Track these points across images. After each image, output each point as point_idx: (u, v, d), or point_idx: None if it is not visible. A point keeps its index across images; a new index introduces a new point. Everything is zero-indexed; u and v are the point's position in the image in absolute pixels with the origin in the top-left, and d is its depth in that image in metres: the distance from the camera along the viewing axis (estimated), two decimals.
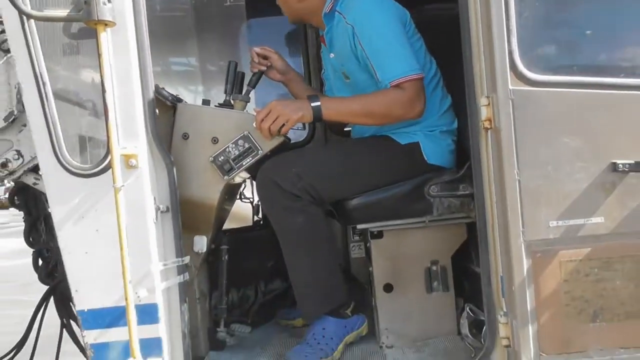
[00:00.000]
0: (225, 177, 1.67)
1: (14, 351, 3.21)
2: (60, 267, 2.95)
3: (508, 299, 1.47)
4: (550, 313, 1.45)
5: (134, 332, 1.45)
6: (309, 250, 1.72)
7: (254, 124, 1.65)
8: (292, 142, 1.97)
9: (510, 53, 1.42)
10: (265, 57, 1.96)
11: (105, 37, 1.42)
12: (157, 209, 1.54)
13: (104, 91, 1.43)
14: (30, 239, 3.11)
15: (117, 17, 1.43)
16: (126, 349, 1.51)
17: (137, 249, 1.47)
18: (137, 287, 1.48)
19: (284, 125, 1.63)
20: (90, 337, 1.52)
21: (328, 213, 1.87)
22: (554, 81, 1.43)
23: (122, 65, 1.48)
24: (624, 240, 1.45)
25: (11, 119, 2.42)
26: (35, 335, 3.09)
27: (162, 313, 1.53)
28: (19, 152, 2.51)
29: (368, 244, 1.84)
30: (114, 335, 1.52)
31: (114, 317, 1.51)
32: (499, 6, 1.41)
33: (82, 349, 3.03)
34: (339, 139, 2.07)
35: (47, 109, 1.50)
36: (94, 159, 1.53)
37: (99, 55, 1.42)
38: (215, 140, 1.67)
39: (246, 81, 1.92)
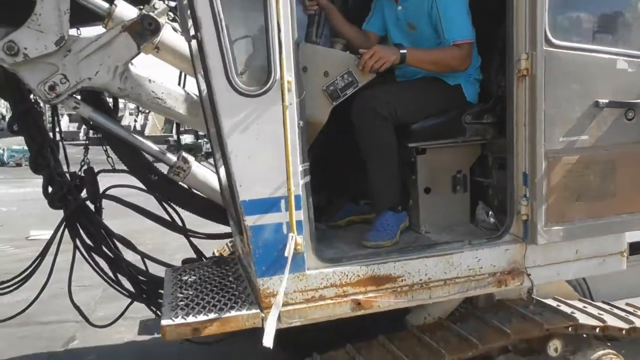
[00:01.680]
0: (334, 103, 2.20)
1: (28, 272, 3.36)
2: (74, 192, 3.19)
3: (531, 188, 2.24)
4: (554, 197, 2.26)
5: (294, 215, 1.96)
6: (385, 159, 2.33)
7: (356, 63, 2.19)
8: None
9: (543, 25, 2.15)
10: None
11: None
12: (299, 124, 2.03)
13: (279, 31, 1.87)
14: (37, 165, 3.25)
15: None
16: (277, 228, 2.01)
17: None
18: (289, 183, 1.98)
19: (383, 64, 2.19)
20: (250, 221, 1.99)
21: None
22: (568, 46, 2.19)
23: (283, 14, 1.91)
24: (597, 151, 2.30)
25: (62, 44, 2.62)
26: (52, 260, 3.29)
27: (303, 202, 2.05)
28: (65, 76, 2.73)
29: (413, 159, 2.50)
30: (268, 219, 2.00)
31: (269, 205, 1.99)
32: None
33: (96, 270, 3.29)
34: (392, 78, 2.65)
35: (222, 40, 1.87)
36: (252, 83, 1.95)
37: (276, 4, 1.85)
38: (326, 74, 2.17)
39: None
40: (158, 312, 3.55)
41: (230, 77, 1.89)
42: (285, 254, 1.93)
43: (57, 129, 3.45)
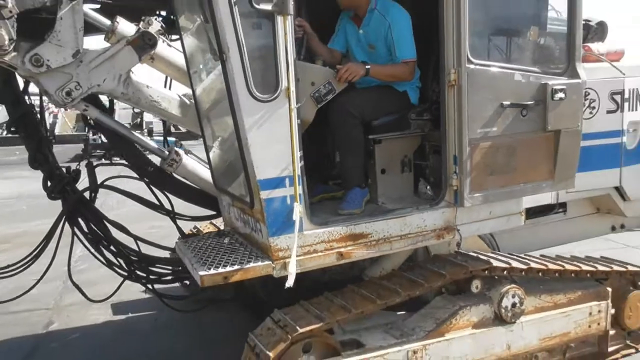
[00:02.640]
0: (318, 105, 2.91)
1: (30, 261, 3.76)
2: (72, 185, 3.65)
3: (459, 166, 3.09)
4: (475, 172, 3.12)
5: (297, 189, 2.66)
6: (354, 148, 3.09)
7: (335, 76, 2.92)
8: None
9: (466, 48, 2.99)
10: (299, 25, 3.14)
11: (283, 22, 2.54)
12: (297, 122, 2.72)
13: (286, 52, 2.56)
14: (36, 161, 3.68)
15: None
16: (283, 200, 2.70)
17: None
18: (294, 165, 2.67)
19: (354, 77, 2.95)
20: (264, 195, 2.66)
21: None
22: (482, 64, 3.05)
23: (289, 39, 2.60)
24: (503, 139, 3.19)
25: (77, 56, 3.13)
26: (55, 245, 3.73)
27: (301, 180, 2.75)
28: (78, 83, 3.24)
29: (372, 147, 3.28)
30: (277, 193, 2.69)
31: (277, 182, 2.68)
32: (460, 23, 2.96)
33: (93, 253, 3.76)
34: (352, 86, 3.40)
35: (244, 59, 2.52)
36: (265, 92, 2.61)
37: (284, 35, 2.53)
38: (312, 84, 2.88)
39: None
40: (148, 286, 4.11)
41: (250, 88, 2.55)
42: (294, 218, 2.63)
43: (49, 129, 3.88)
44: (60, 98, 3.19)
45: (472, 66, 3.00)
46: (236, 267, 2.67)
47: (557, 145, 3.32)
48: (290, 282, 2.54)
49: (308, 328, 2.84)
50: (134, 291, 5.04)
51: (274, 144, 2.64)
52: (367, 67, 3.04)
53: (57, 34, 3.07)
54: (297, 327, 2.83)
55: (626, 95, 4.09)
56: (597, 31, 4.37)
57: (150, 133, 24.24)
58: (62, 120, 28.35)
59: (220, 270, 2.64)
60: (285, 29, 2.52)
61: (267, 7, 2.48)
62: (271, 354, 2.75)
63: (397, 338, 3.17)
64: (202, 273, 2.62)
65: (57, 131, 25.92)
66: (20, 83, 3.65)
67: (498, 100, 3.11)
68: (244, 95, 2.56)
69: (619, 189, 4.24)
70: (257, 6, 2.45)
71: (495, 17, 3.27)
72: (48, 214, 4.05)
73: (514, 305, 3.39)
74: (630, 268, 3.99)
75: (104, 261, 3.91)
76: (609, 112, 4.03)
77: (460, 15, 2.91)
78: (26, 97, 3.68)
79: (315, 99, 2.90)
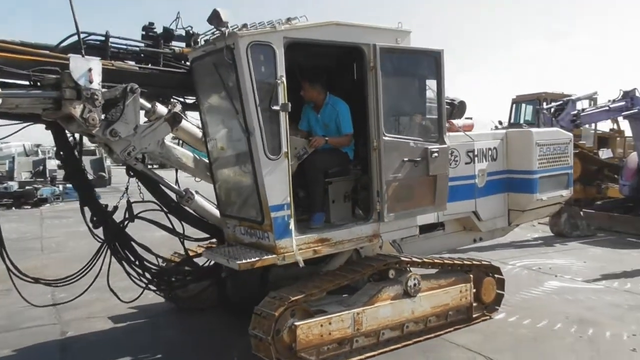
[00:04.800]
0: (298, 161, 4.81)
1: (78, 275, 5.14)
2: (110, 217, 5.18)
3: (380, 196, 5.10)
4: (389, 200, 5.15)
5: (292, 211, 4.52)
6: (319, 186, 5.02)
7: (308, 144, 4.86)
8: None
9: (381, 127, 5.06)
10: None
11: (285, 116, 4.45)
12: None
13: (286, 134, 4.45)
14: (86, 203, 5.14)
15: None
16: (283, 217, 4.53)
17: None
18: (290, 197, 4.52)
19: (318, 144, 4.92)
20: (272, 214, 4.47)
21: None
22: (391, 136, 5.14)
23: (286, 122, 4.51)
24: (405, 181, 5.27)
25: (136, 129, 4.74)
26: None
27: (292, 206, 4.59)
28: (134, 147, 4.83)
29: (327, 187, 5.22)
30: (280, 213, 4.51)
31: (281, 207, 4.50)
32: (378, 113, 5.04)
33: (124, 267, 5.29)
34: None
35: (263, 137, 4.37)
36: (272, 154, 4.45)
37: (285, 123, 4.44)
38: (295, 149, 4.78)
39: None
40: (162, 294, 5.67)
41: (265, 152, 4.41)
42: (290, 228, 4.47)
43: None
44: (123, 157, 4.80)
45: (386, 138, 5.08)
46: (256, 259, 4.44)
47: (435, 184, 5.48)
48: (301, 264, 4.41)
49: (296, 297, 4.64)
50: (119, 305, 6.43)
51: (278, 184, 4.49)
52: (326, 138, 5.04)
53: (125, 116, 4.70)
54: (290, 297, 4.61)
55: (476, 153, 6.43)
56: (459, 109, 6.74)
57: (53, 180, 24.51)
58: None
59: (250, 260, 4.39)
60: (285, 120, 4.43)
61: (277, 108, 4.38)
62: (275, 314, 4.50)
63: (346, 307, 5.05)
64: (239, 262, 4.36)
65: None
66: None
67: (401, 157, 5.20)
68: (262, 156, 4.41)
69: (475, 213, 6.52)
70: (272, 107, 4.35)
71: (397, 108, 5.40)
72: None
73: (414, 285, 5.40)
74: (484, 263, 6.24)
75: (133, 273, 5.38)
76: (466, 163, 6.33)
77: (378, 108, 5.00)
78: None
79: (297, 158, 4.80)
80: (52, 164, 27.20)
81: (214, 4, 4.61)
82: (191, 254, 5.90)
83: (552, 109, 11.64)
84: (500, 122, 17.14)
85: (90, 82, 4.40)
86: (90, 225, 5.20)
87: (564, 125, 10.67)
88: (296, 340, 4.57)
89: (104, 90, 4.53)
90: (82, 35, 4.78)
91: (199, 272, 5.75)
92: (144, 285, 5.50)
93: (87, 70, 4.39)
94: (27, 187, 20.29)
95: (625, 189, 11.74)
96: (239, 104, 4.41)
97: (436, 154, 5.37)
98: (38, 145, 32.00)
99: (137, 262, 5.33)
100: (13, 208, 18.91)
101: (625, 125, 15.56)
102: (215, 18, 4.25)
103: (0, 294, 7.63)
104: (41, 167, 25.09)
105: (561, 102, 11.85)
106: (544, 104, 15.93)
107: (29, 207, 19.08)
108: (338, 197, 5.33)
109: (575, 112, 11.29)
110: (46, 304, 5.83)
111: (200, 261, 5.89)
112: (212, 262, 5.96)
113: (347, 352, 4.96)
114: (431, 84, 5.55)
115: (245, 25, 4.45)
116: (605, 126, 16.07)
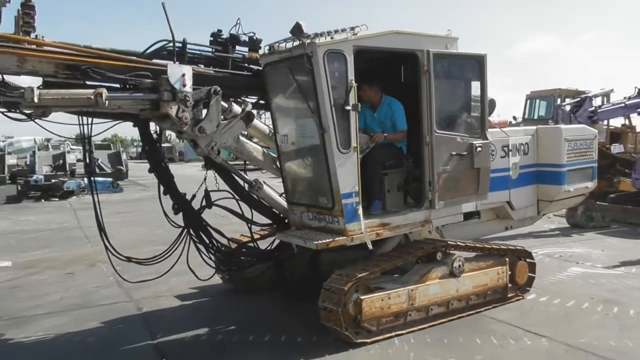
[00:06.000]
0: (361, 155, 5.41)
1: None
2: (190, 205, 5.81)
3: (432, 187, 5.73)
4: (439, 190, 5.78)
5: (360, 198, 5.15)
6: (377, 178, 5.66)
7: (370, 140, 5.49)
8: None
9: (433, 124, 5.68)
10: None
11: (355, 115, 5.08)
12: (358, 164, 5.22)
13: (356, 130, 5.08)
14: (168, 191, 5.76)
15: None
16: (352, 204, 5.16)
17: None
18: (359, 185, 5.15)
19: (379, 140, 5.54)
20: (344, 201, 5.10)
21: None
22: (442, 132, 5.76)
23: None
24: (454, 173, 5.90)
25: (218, 126, 5.35)
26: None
27: (360, 193, 5.23)
28: (216, 142, 5.45)
29: (383, 177, 5.86)
30: (350, 200, 5.14)
31: (350, 194, 5.14)
32: (431, 111, 5.65)
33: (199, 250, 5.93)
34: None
35: (336, 132, 4.99)
36: (344, 147, 5.07)
37: (355, 121, 5.07)
38: (361, 145, 5.40)
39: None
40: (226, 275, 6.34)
41: (338, 147, 5.03)
42: (358, 213, 5.10)
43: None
44: (207, 150, 5.42)
45: (436, 134, 5.70)
46: (330, 239, 5.08)
47: (479, 175, 6.10)
48: (370, 246, 5.04)
49: (362, 274, 5.27)
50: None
51: (348, 174, 5.11)
52: (384, 134, 5.67)
53: (209, 114, 5.32)
54: (357, 274, 5.25)
55: (510, 148, 7.04)
56: (490, 107, 7.34)
57: (73, 173, 25.32)
58: None
59: (324, 241, 5.03)
60: (356, 119, 5.05)
61: (349, 108, 5.00)
62: (345, 288, 5.12)
63: (401, 284, 5.68)
64: (315, 242, 5.00)
65: None
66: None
67: (449, 151, 5.82)
68: (335, 150, 5.03)
69: (509, 203, 7.13)
70: (345, 107, 4.97)
71: (445, 107, 6.00)
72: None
73: (459, 266, 6.02)
74: (518, 248, 6.86)
75: (207, 254, 6.01)
76: (501, 157, 6.94)
77: (431, 107, 5.62)
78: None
79: (361, 151, 5.42)
80: (72, 157, 28.02)
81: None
82: (247, 239, 6.52)
83: (571, 106, 12.21)
84: (515, 118, 17.75)
85: (184, 85, 5.01)
86: (173, 211, 5.82)
87: (581, 122, 11.26)
88: (361, 312, 5.20)
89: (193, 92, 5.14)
90: (164, 43, 5.39)
91: (263, 255, 6.37)
92: (215, 267, 6.13)
93: (181, 75, 5.01)
94: (53, 180, 20.98)
95: (638, 182, 12.32)
96: (315, 104, 5.03)
97: (480, 148, 5.99)
98: (48, 140, 32.70)
99: (211, 245, 5.96)
100: (42, 200, 19.62)
101: (636, 121, 16.17)
102: (297, 30, 4.86)
103: (67, 277, 8.33)
104: (61, 161, 25.78)
105: (579, 99, 12.43)
106: (559, 100, 16.53)
107: (57, 199, 19.77)
108: (393, 187, 5.96)
109: (593, 108, 11.87)
110: (134, 281, 6.48)
111: (262, 245, 6.54)
112: (274, 246, 6.61)
113: (401, 324, 5.59)
114: (475, 84, 6.16)
115: (317, 35, 5.05)
116: (617, 122, 16.61)
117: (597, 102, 12.60)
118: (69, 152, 28.19)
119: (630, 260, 8.63)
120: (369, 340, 5.25)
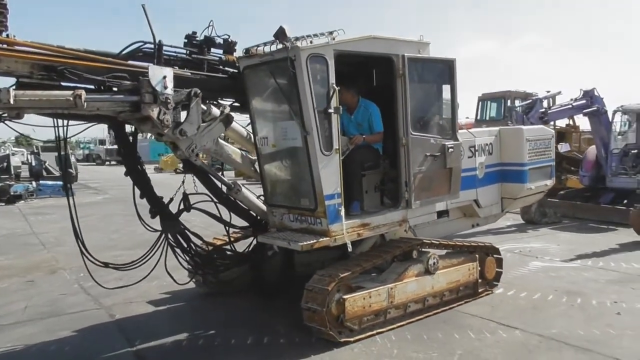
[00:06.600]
0: (342, 157, 5.50)
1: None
2: (167, 208, 5.78)
3: (408, 187, 5.89)
4: (415, 190, 5.95)
5: (342, 200, 5.24)
6: (357, 177, 5.76)
7: (349, 142, 5.58)
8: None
9: (409, 125, 5.85)
10: None
11: (337, 118, 5.17)
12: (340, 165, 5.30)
13: (337, 133, 5.16)
14: (144, 196, 5.68)
15: None
16: (334, 205, 5.25)
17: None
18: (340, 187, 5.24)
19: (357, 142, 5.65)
20: (327, 202, 5.17)
21: None
22: (417, 134, 5.93)
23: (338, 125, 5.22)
24: (424, 172, 6.09)
25: (198, 129, 5.36)
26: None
27: (342, 194, 5.32)
28: (196, 145, 5.44)
29: (362, 177, 5.97)
30: (332, 202, 5.22)
31: (332, 196, 5.21)
32: (406, 113, 5.82)
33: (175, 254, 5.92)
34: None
35: (319, 134, 5.06)
36: (326, 149, 5.15)
37: (336, 125, 5.16)
38: (341, 147, 5.49)
39: None
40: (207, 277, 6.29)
41: (321, 149, 5.10)
42: (341, 214, 5.19)
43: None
44: (188, 153, 5.37)
45: (412, 135, 5.87)
46: (314, 240, 5.14)
47: (451, 175, 6.32)
48: (349, 248, 5.11)
49: (344, 274, 5.36)
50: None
51: (331, 175, 5.19)
52: (363, 136, 5.79)
53: (190, 117, 5.28)
54: (339, 274, 5.33)
55: (476, 148, 7.32)
56: None
57: (18, 177, 24.31)
58: None
59: (308, 242, 5.09)
60: (337, 121, 5.14)
61: (331, 111, 5.09)
62: (329, 288, 5.20)
63: (380, 283, 5.81)
64: (300, 244, 5.05)
65: None
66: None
67: (424, 152, 6.01)
68: (318, 152, 5.10)
69: (476, 201, 7.41)
70: (327, 110, 5.05)
71: (419, 110, 6.18)
72: None
73: (434, 264, 6.22)
74: (487, 244, 7.14)
75: (185, 258, 5.95)
76: (469, 157, 7.20)
77: (406, 109, 5.78)
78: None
79: (342, 153, 5.51)
80: (16, 160, 26.85)
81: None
82: (221, 242, 6.51)
83: (523, 107, 12.76)
84: (467, 118, 18.36)
85: (165, 87, 4.95)
86: (149, 215, 5.74)
87: (533, 122, 11.79)
88: (344, 311, 5.30)
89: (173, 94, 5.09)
90: (140, 44, 5.31)
91: (240, 257, 6.37)
92: (193, 270, 6.08)
93: (162, 77, 4.95)
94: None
95: (585, 179, 13.03)
96: (297, 107, 5.09)
97: (451, 149, 6.21)
98: (4, 142, 31.17)
99: (189, 249, 5.90)
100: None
101: (580, 121, 17.05)
102: (281, 34, 4.89)
103: (28, 284, 8.01)
104: (5, 164, 24.66)
105: (530, 100, 13.00)
106: (509, 102, 17.22)
107: (3, 204, 18.90)
108: (370, 188, 6.09)
109: (543, 110, 12.44)
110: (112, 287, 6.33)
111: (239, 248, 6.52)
112: (250, 249, 6.62)
113: (381, 322, 5.72)
114: (445, 87, 6.37)
115: (297, 39, 5.11)
116: (562, 122, 17.44)
117: (545, 104, 13.20)
118: (13, 154, 26.99)
119: (585, 254, 9.13)
120: (352, 339, 5.34)
